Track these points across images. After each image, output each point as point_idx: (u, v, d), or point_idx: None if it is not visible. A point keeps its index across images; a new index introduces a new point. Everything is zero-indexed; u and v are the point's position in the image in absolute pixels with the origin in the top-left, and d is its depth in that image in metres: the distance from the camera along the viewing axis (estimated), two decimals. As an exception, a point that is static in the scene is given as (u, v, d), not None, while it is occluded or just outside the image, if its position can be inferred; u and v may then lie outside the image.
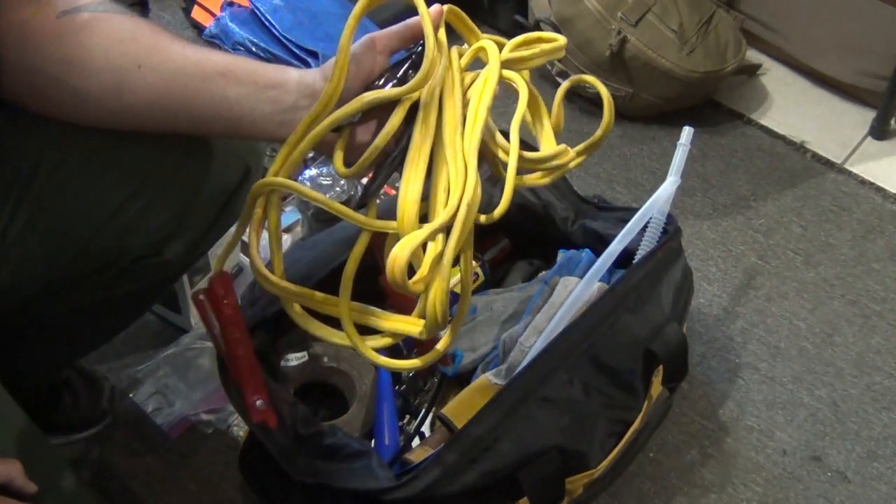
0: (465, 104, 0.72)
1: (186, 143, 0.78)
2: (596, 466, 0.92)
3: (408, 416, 1.02)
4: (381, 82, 0.72)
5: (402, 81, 0.71)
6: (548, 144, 0.79)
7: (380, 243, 0.76)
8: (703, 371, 1.23)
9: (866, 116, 1.63)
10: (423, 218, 0.71)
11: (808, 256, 1.40)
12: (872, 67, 1.60)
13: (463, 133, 0.71)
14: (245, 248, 0.89)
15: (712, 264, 1.37)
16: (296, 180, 1.04)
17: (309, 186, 1.21)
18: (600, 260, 0.99)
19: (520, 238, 1.19)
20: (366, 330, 0.75)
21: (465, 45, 0.77)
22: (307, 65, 1.46)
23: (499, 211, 0.74)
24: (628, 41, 1.50)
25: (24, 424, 0.73)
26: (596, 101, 1.58)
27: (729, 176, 1.52)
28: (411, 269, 0.69)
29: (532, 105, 0.80)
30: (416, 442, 0.98)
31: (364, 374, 1.03)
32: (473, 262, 1.14)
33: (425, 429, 1.01)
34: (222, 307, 0.79)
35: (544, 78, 1.59)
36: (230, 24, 1.52)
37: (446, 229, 0.68)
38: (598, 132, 0.81)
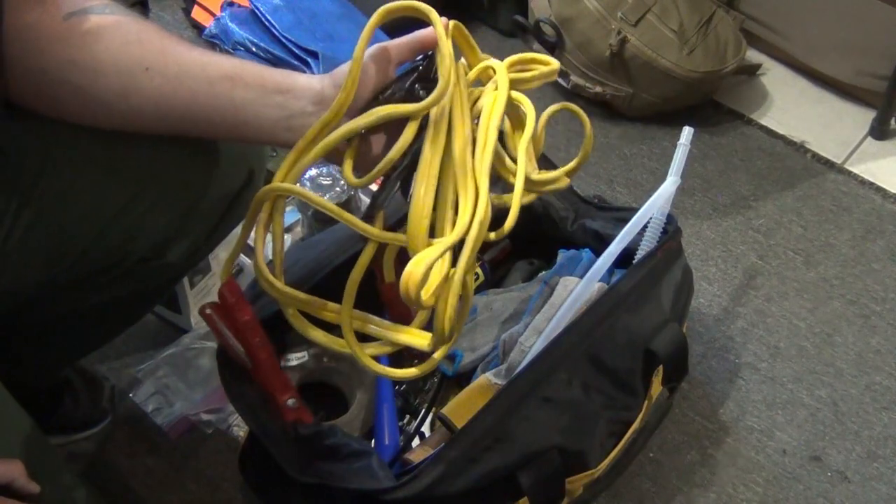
0: (475, 118, 0.73)
1: (191, 146, 0.78)
2: (596, 466, 0.92)
3: (408, 416, 1.02)
4: (389, 93, 0.72)
5: (410, 93, 0.72)
6: (529, 163, 0.81)
7: (381, 253, 0.77)
8: (703, 371, 1.23)
9: (866, 116, 1.63)
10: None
11: (808, 256, 1.40)
12: (872, 67, 1.60)
13: (473, 152, 0.72)
14: (246, 249, 0.89)
15: (712, 264, 1.37)
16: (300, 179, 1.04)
17: (308, 186, 1.21)
18: (600, 260, 0.99)
19: (520, 238, 1.19)
20: (365, 336, 0.76)
21: (462, 60, 0.78)
22: (307, 65, 1.46)
23: (507, 227, 0.76)
24: (628, 41, 1.50)
25: (27, 424, 0.73)
26: (596, 102, 1.59)
27: (729, 176, 1.52)
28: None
29: (515, 122, 0.81)
30: (416, 442, 0.98)
31: (364, 374, 1.03)
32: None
33: (425, 429, 1.01)
34: (237, 315, 0.80)
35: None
36: (230, 24, 1.52)
37: (460, 244, 0.70)
38: (575, 161, 0.85)
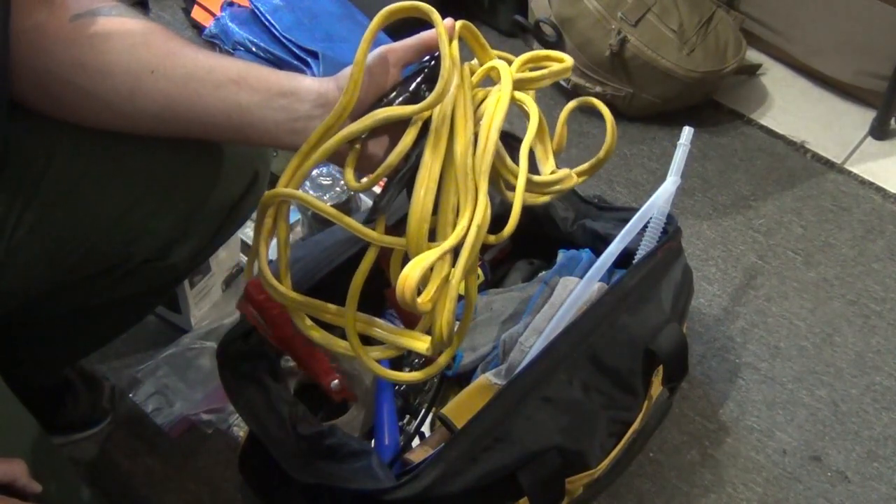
0: (477, 120, 0.73)
1: (195, 148, 0.78)
2: (596, 466, 0.92)
3: (408, 416, 1.02)
4: (394, 95, 0.72)
5: (415, 95, 0.71)
6: (547, 165, 0.80)
7: (387, 255, 0.77)
8: (703, 371, 1.23)
9: (866, 116, 1.63)
10: (430, 233, 0.71)
11: (808, 256, 1.40)
12: (872, 67, 1.60)
13: (474, 154, 0.71)
14: (246, 249, 0.90)
15: (712, 264, 1.37)
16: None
17: (308, 186, 1.21)
18: (600, 260, 0.99)
19: (520, 238, 1.19)
20: (368, 339, 0.76)
21: (475, 61, 0.77)
22: (307, 65, 1.46)
23: (507, 231, 0.75)
24: (628, 41, 1.50)
25: (29, 424, 0.73)
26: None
27: (729, 176, 1.52)
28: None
29: (537, 128, 0.81)
30: (416, 442, 0.98)
31: (364, 374, 1.03)
32: (473, 263, 1.15)
33: (425, 429, 1.01)
34: (268, 308, 0.80)
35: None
36: (230, 24, 1.52)
37: (458, 249, 0.69)
38: (601, 153, 0.81)
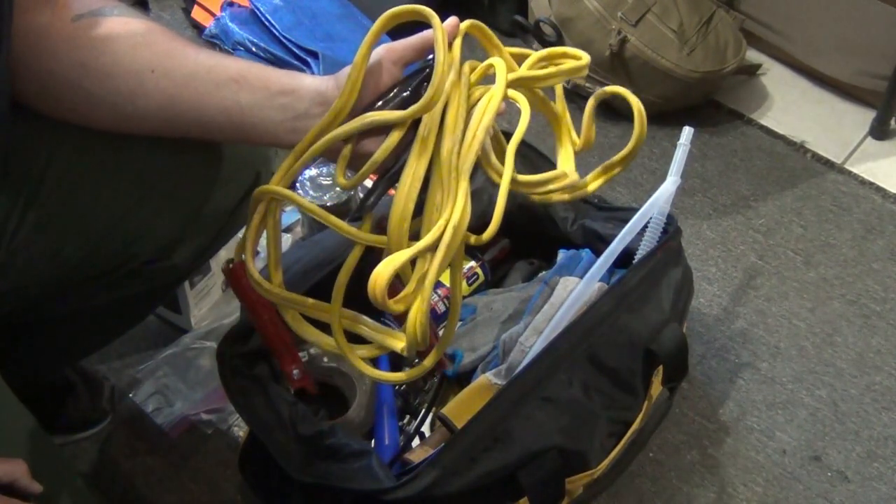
0: (469, 119, 0.72)
1: (197, 149, 0.78)
2: (596, 466, 0.92)
3: (408, 416, 1.02)
4: (393, 95, 0.72)
5: (416, 93, 0.71)
6: (564, 165, 0.79)
7: (375, 255, 0.77)
8: (703, 371, 1.23)
9: (866, 116, 1.63)
10: (419, 233, 0.71)
11: (808, 256, 1.40)
12: (872, 67, 1.60)
13: (460, 152, 0.70)
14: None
15: (712, 264, 1.37)
16: (296, 181, 1.04)
17: (309, 186, 1.21)
18: (600, 260, 0.99)
19: (520, 238, 1.19)
20: (359, 338, 0.76)
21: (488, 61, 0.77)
22: (307, 65, 1.46)
23: (487, 234, 0.74)
24: (628, 41, 1.50)
25: (30, 425, 0.73)
26: (603, 105, 1.59)
27: (729, 176, 1.52)
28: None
29: (556, 126, 0.80)
30: (416, 442, 0.98)
31: (364, 375, 1.03)
32: (473, 262, 1.15)
33: (425, 429, 1.01)
34: (247, 291, 0.80)
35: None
36: (230, 24, 1.52)
37: (433, 249, 0.68)
38: (630, 145, 0.81)
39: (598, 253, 1.02)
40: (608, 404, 0.91)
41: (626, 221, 1.01)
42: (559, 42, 1.55)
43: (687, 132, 1.08)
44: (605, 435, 0.93)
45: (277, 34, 1.50)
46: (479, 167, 0.73)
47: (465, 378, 1.01)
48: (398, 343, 0.73)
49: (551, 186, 0.78)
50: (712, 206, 1.47)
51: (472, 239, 0.74)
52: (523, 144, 0.75)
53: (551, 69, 0.76)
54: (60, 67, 0.69)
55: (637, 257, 1.03)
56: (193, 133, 0.74)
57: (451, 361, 1.02)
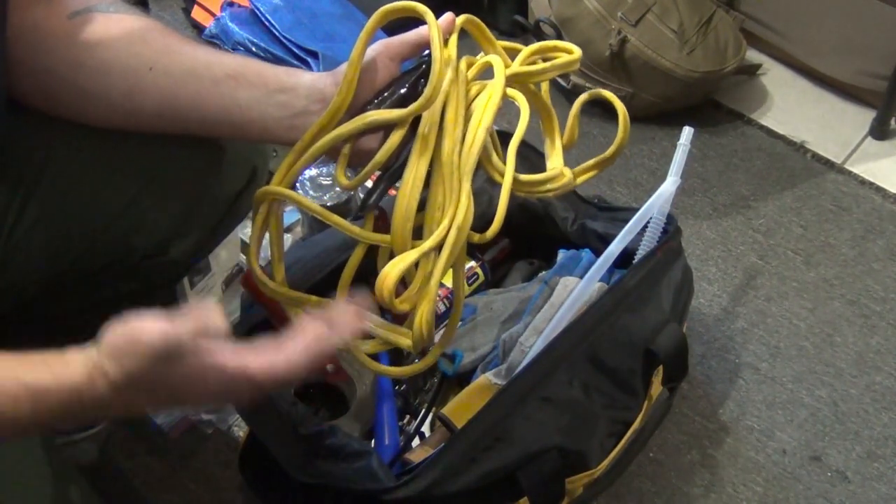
0: (468, 117, 0.72)
1: (194, 144, 0.78)
2: (596, 466, 0.92)
3: (408, 416, 1.02)
4: (390, 92, 0.72)
5: (414, 89, 0.71)
6: (555, 161, 0.79)
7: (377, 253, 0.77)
8: (703, 371, 1.23)
9: (866, 116, 1.63)
10: (421, 229, 0.71)
11: (808, 256, 1.40)
12: (872, 67, 1.60)
13: (461, 152, 0.70)
14: (246, 249, 0.90)
15: (712, 264, 1.37)
16: (296, 181, 1.05)
17: (309, 186, 1.21)
18: (600, 260, 0.99)
19: (520, 238, 1.19)
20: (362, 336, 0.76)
21: (482, 54, 0.77)
22: (307, 65, 1.46)
23: (490, 232, 0.74)
24: (628, 41, 1.50)
25: None
26: (596, 102, 1.59)
27: (729, 176, 1.52)
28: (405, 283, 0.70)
29: (546, 122, 0.80)
30: (416, 442, 0.98)
31: (364, 374, 1.03)
32: (473, 262, 1.15)
33: (425, 429, 1.01)
34: (262, 294, 0.80)
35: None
36: (230, 24, 1.52)
37: (438, 249, 0.69)
38: (612, 148, 0.81)
39: (598, 253, 1.02)
40: (608, 404, 0.91)
41: (626, 221, 1.01)
42: (559, 42, 1.55)
43: (687, 132, 1.08)
44: (605, 435, 0.93)
45: (277, 34, 1.50)
46: (479, 167, 0.74)
47: (465, 378, 1.01)
48: (404, 340, 0.73)
49: (549, 186, 0.78)
50: (712, 206, 1.47)
51: (476, 237, 0.74)
52: (522, 144, 0.75)
53: (546, 65, 0.76)
54: (56, 65, 0.69)
55: (637, 257, 1.03)
56: (191, 130, 0.74)
57: (451, 361, 1.02)
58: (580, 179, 0.83)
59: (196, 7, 1.64)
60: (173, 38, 0.72)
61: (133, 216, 0.77)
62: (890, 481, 1.13)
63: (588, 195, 1.15)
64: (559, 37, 1.54)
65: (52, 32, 0.68)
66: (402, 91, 0.72)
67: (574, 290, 0.98)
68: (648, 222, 1.04)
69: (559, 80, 1.56)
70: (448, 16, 0.72)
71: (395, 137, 0.69)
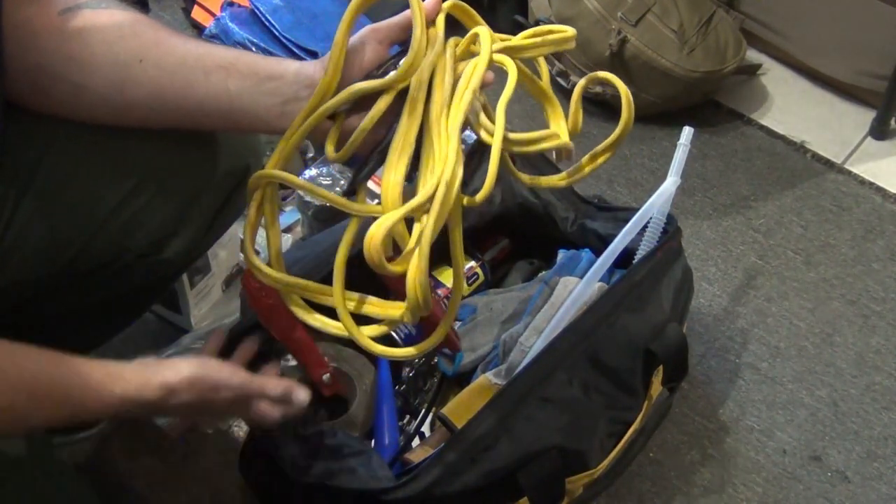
0: (456, 83, 0.72)
1: (188, 141, 0.78)
2: (596, 466, 0.92)
3: (408, 416, 1.02)
4: (381, 72, 0.72)
5: None
6: (556, 127, 0.79)
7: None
8: (703, 371, 1.23)
9: (866, 116, 1.63)
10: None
11: (808, 256, 1.40)
12: (872, 67, 1.60)
13: (448, 114, 0.70)
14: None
15: (712, 264, 1.37)
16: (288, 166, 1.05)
17: (309, 186, 1.21)
18: (600, 260, 0.99)
19: (520, 238, 1.19)
20: (364, 320, 0.75)
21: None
22: (307, 65, 1.46)
23: (481, 195, 0.72)
24: (628, 41, 1.50)
25: None
26: (596, 101, 1.59)
27: (729, 176, 1.52)
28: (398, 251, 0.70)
29: (550, 108, 0.80)
30: (416, 442, 0.98)
31: (364, 374, 1.03)
32: (473, 263, 1.15)
33: (425, 429, 1.01)
34: (262, 298, 0.80)
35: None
36: (230, 24, 1.52)
37: (427, 207, 0.68)
38: (617, 130, 0.80)
39: (598, 253, 1.02)
40: (608, 404, 0.91)
41: (626, 221, 1.01)
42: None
43: (687, 132, 1.08)
44: (605, 435, 0.93)
45: (277, 34, 1.50)
46: (469, 126, 0.73)
47: (465, 378, 1.01)
48: (395, 311, 0.72)
49: (544, 144, 0.76)
50: (712, 206, 1.47)
51: (466, 199, 0.73)
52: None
53: (537, 39, 0.76)
54: (49, 62, 0.69)
55: (637, 257, 1.03)
56: (183, 122, 0.74)
57: (451, 361, 1.02)
58: (588, 168, 0.82)
59: (196, 7, 1.64)
60: (163, 31, 0.72)
61: (127, 215, 0.77)
62: (890, 481, 1.13)
63: (588, 195, 1.16)
64: (559, 37, 1.54)
65: (43, 29, 0.69)
66: (392, 72, 0.72)
67: (574, 290, 0.98)
68: (648, 222, 1.04)
69: (559, 80, 1.56)
70: (432, 0, 0.72)
71: (381, 104, 0.70)
